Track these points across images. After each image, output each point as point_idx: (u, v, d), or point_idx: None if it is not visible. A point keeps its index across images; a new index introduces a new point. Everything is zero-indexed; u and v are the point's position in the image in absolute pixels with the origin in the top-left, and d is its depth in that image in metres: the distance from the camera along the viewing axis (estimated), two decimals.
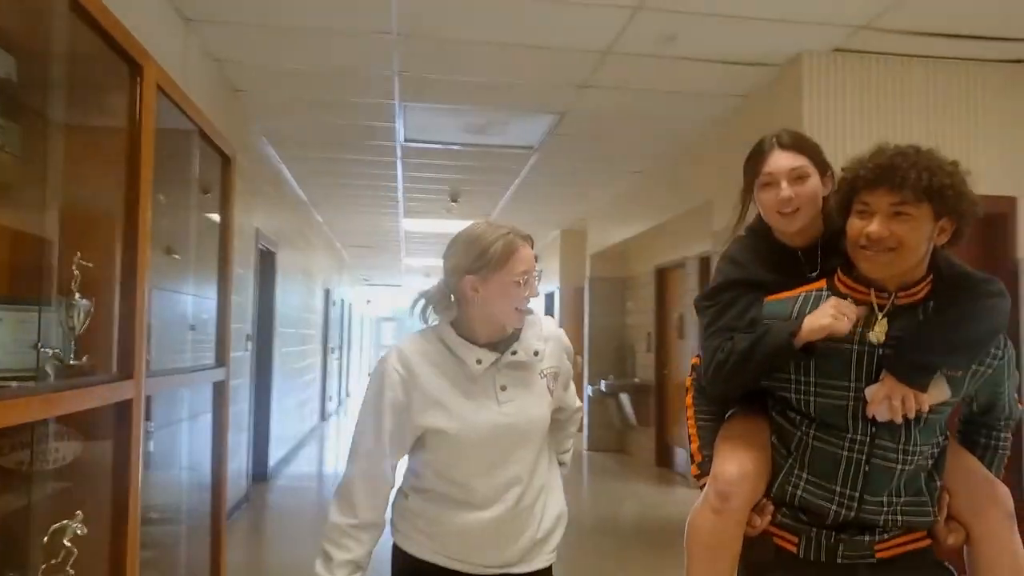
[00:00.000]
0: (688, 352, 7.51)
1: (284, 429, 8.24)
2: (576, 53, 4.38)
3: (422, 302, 1.76)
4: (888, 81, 4.32)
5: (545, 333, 1.77)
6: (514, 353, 1.70)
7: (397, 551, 1.76)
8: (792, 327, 1.52)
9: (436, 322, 1.76)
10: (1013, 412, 1.69)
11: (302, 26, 4.10)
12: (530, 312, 1.73)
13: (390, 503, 1.76)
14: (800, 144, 1.70)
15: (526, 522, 1.71)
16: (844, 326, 1.47)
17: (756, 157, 1.71)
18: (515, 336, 1.72)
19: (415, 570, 1.72)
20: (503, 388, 1.68)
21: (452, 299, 1.73)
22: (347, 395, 16.55)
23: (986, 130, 4.33)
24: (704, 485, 1.65)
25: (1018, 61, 4.31)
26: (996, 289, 1.55)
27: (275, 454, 7.74)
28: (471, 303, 1.68)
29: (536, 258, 1.73)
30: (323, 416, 12.40)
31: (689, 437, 1.77)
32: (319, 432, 11.39)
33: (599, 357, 9.50)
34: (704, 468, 1.67)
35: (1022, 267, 4.31)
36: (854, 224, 1.49)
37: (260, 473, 7.15)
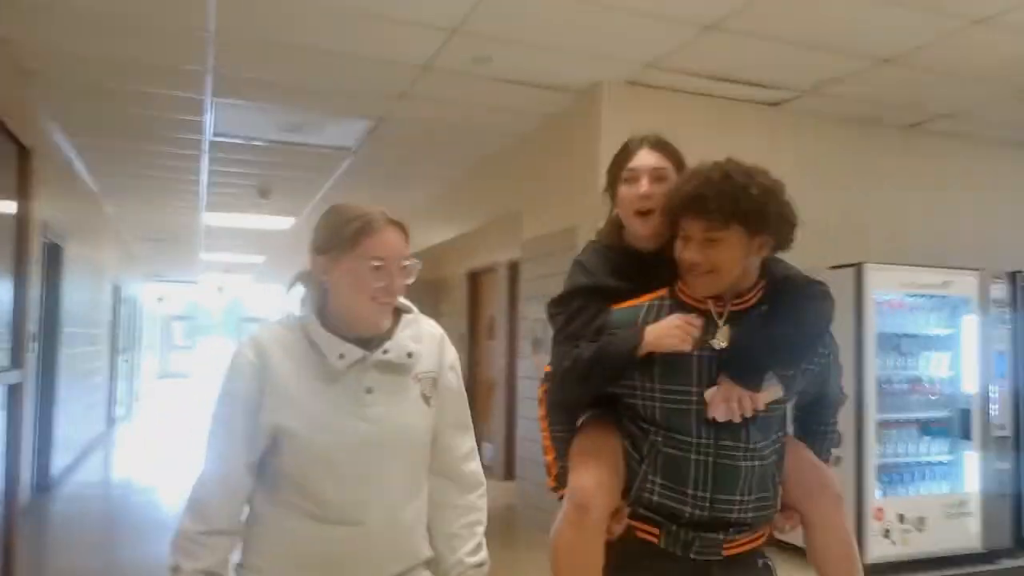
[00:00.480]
0: (497, 353, 7.90)
1: (70, 435, 7.63)
2: (396, 65, 4.55)
3: (298, 285, 1.59)
4: (675, 113, 4.91)
5: (424, 334, 1.61)
6: (385, 352, 1.52)
7: None
8: (635, 340, 1.55)
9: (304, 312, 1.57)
10: (839, 399, 1.80)
11: (108, 12, 3.92)
12: (395, 305, 1.56)
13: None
14: (665, 148, 1.73)
15: (404, 545, 1.55)
16: (688, 346, 1.52)
17: (623, 154, 1.74)
18: (389, 334, 1.54)
19: None
20: (368, 391, 1.49)
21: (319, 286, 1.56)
22: (136, 399, 15.39)
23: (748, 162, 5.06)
24: (562, 496, 1.65)
25: (775, 104, 5.07)
26: (820, 291, 1.63)
27: (59, 462, 7.17)
28: (329, 290, 1.53)
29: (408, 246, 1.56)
30: (111, 421, 11.51)
31: (544, 449, 1.75)
32: (107, 438, 10.59)
33: None
34: (561, 480, 1.67)
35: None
36: (678, 247, 1.57)
37: (43, 482, 6.64)
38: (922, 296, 4.68)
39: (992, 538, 4.66)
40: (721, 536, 1.59)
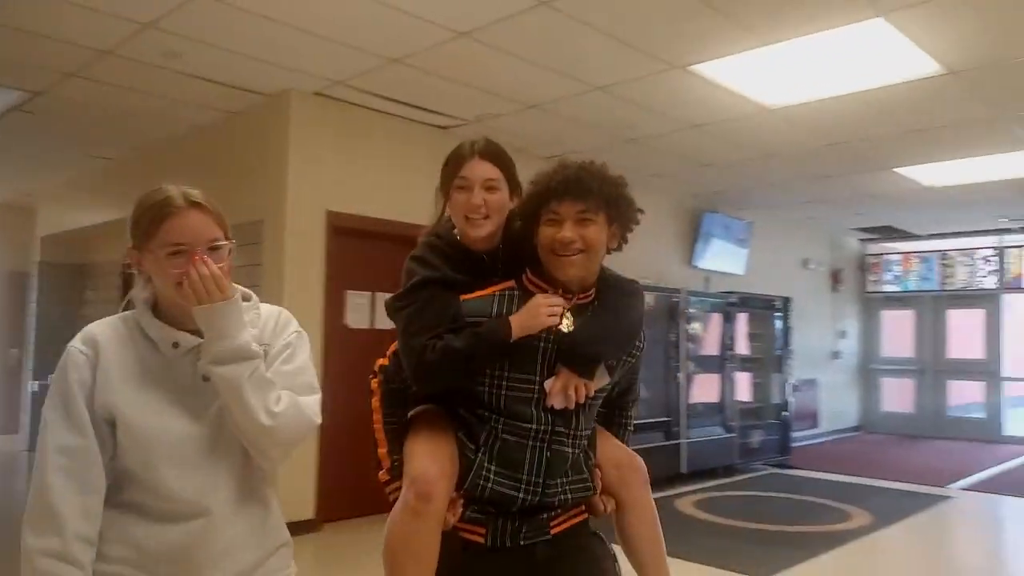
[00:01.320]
0: None
1: None
2: (70, 46, 4.32)
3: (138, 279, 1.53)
4: (358, 125, 5.38)
5: (263, 316, 1.57)
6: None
7: None
8: (505, 327, 1.59)
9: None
10: (639, 393, 1.94)
11: None
12: (241, 292, 1.51)
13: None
14: (497, 158, 1.76)
15: (255, 531, 1.52)
16: (557, 321, 1.61)
17: (456, 160, 1.76)
18: (239, 311, 1.48)
19: None
20: (205, 379, 1.44)
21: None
22: None
23: (416, 178, 5.71)
24: (394, 490, 1.66)
25: (444, 127, 5.80)
26: (637, 289, 1.78)
27: None
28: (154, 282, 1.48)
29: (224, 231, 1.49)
30: None
31: (376, 442, 1.74)
32: None
33: (45, 350, 8.74)
34: (395, 473, 1.67)
35: None
36: (547, 232, 1.62)
37: None
38: None
39: None
40: (545, 515, 1.67)
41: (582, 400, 1.62)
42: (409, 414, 1.74)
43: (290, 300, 5.03)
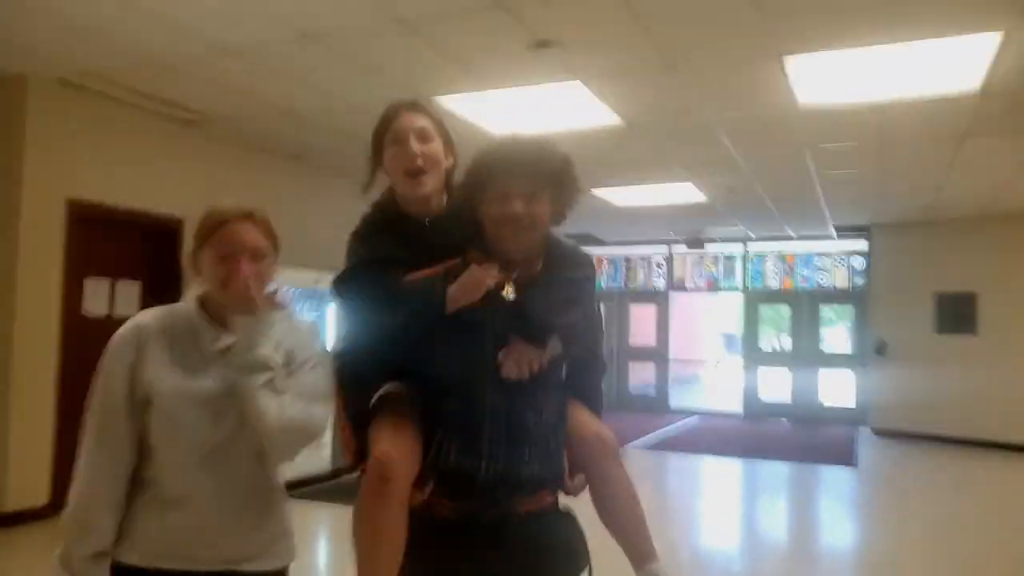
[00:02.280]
0: None
1: None
2: None
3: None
4: (104, 116, 5.38)
5: (295, 328, 1.68)
6: (256, 343, 1.57)
7: (116, 568, 1.56)
8: (440, 298, 1.60)
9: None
10: (604, 365, 1.92)
11: None
12: (251, 295, 1.57)
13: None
14: (425, 110, 1.79)
15: (258, 518, 1.63)
16: (493, 281, 1.62)
17: (385, 122, 1.77)
18: (267, 326, 1.58)
19: None
20: (235, 378, 1.56)
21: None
22: None
23: (160, 168, 5.82)
24: (363, 471, 1.64)
25: (189, 122, 5.95)
26: (589, 259, 1.81)
27: None
28: (204, 282, 1.63)
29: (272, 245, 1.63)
30: None
31: (341, 427, 1.75)
32: None
33: None
34: (361, 455, 1.66)
35: (185, 275, 6.01)
36: (494, 207, 1.63)
37: None
38: (300, 288, 6.32)
39: (338, 462, 6.60)
40: (513, 496, 1.66)
41: (535, 370, 1.62)
42: (373, 398, 1.73)
43: (24, 289, 4.95)
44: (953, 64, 4.43)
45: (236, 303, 1.57)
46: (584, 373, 1.85)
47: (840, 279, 11.99)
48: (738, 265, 12.63)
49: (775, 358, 12.78)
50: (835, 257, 11.97)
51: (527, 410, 1.65)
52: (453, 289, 1.62)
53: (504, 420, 1.63)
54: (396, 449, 1.59)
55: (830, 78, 4.69)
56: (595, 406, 1.86)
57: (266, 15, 3.91)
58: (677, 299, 13.41)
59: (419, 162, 1.71)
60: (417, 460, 1.62)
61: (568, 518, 1.78)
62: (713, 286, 13.02)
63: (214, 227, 1.58)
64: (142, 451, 1.57)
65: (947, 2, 3.63)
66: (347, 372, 1.72)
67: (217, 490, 1.56)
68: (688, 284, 13.02)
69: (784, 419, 11.79)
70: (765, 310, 13.19)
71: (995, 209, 9.03)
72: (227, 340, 1.58)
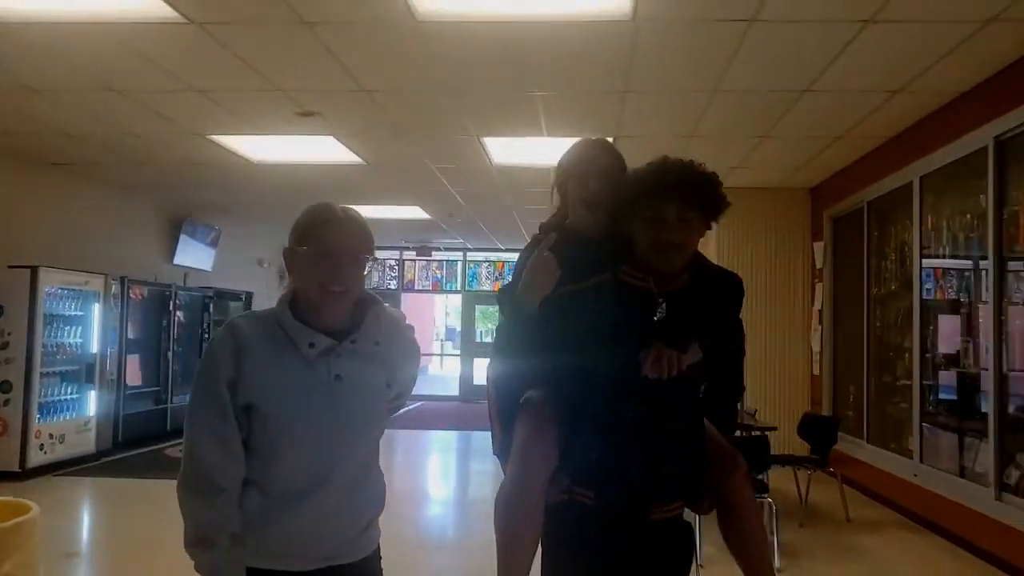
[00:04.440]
0: None
1: None
2: None
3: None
4: None
5: (389, 323, 1.71)
6: (353, 342, 1.60)
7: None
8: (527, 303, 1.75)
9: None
10: (741, 388, 1.97)
11: None
12: (351, 296, 1.61)
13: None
14: (613, 151, 1.93)
15: (352, 514, 1.64)
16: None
17: (576, 155, 1.93)
18: (357, 325, 1.62)
19: None
20: (337, 378, 1.57)
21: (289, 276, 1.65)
22: None
23: None
24: (505, 462, 1.80)
25: None
26: (738, 283, 1.87)
27: None
28: (295, 280, 1.62)
29: (370, 251, 1.63)
30: None
31: (490, 418, 1.91)
32: None
33: None
34: (506, 447, 1.81)
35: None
36: (650, 229, 1.69)
37: None
38: (70, 288, 6.98)
39: (102, 444, 7.35)
40: (649, 503, 1.72)
41: (674, 372, 1.63)
42: (521, 399, 1.84)
43: None
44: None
45: (330, 306, 1.59)
46: (721, 394, 1.90)
47: None
48: (458, 270, 14.76)
49: (487, 349, 15.06)
50: None
51: (670, 416, 1.72)
52: (522, 286, 1.77)
53: (647, 423, 1.69)
54: (538, 447, 1.72)
55: (518, 152, 6.64)
56: (730, 428, 1.95)
57: (83, 73, 4.84)
58: (408, 298, 15.18)
59: (594, 199, 1.86)
60: (553, 460, 1.73)
61: (688, 529, 1.85)
62: (438, 287, 15.01)
63: (318, 226, 1.58)
64: (253, 454, 1.56)
65: None
66: (498, 375, 1.89)
67: (332, 488, 1.57)
68: (417, 285, 14.89)
69: None
70: (480, 309, 15.46)
71: None
72: (326, 341, 1.57)
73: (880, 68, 4.45)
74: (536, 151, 6.59)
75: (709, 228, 1.78)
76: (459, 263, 14.73)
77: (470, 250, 14.39)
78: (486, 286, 14.77)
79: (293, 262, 1.60)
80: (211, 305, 9.81)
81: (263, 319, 1.61)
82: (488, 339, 16.11)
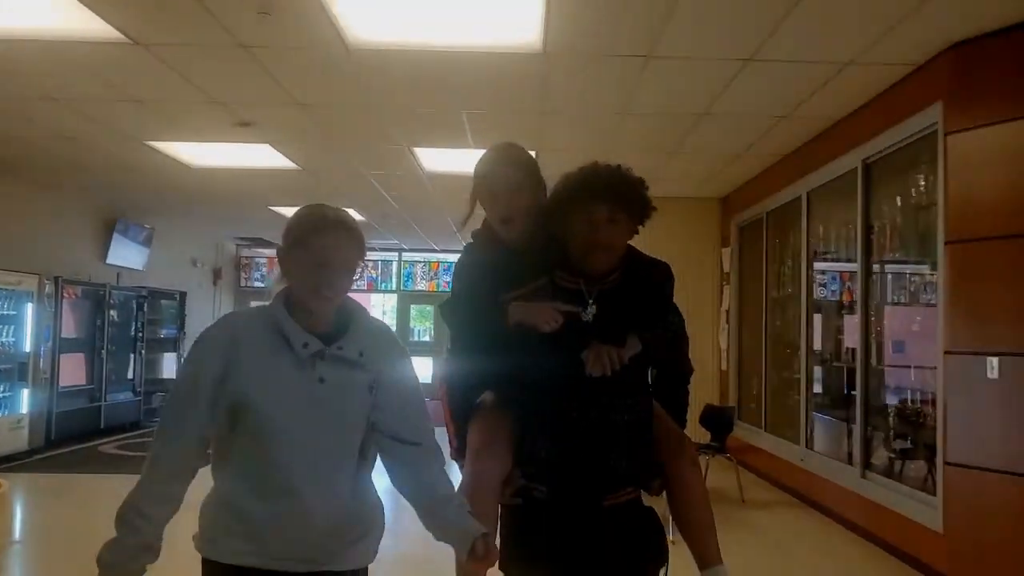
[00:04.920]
0: None
1: None
2: None
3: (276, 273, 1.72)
4: None
5: (375, 332, 1.73)
6: (339, 348, 1.63)
7: (207, 565, 1.62)
8: (502, 319, 1.77)
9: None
10: (689, 369, 2.02)
11: None
12: (336, 300, 1.64)
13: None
14: (522, 160, 1.94)
15: (341, 520, 1.64)
16: (548, 328, 1.72)
17: (481, 171, 1.94)
18: (343, 331, 1.65)
19: None
20: (321, 380, 1.61)
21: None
22: None
23: None
24: (462, 465, 1.88)
25: None
26: (665, 269, 1.92)
27: None
28: (289, 281, 1.65)
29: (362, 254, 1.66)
30: None
31: (446, 424, 1.98)
32: None
33: None
34: (462, 451, 1.90)
35: None
36: (580, 231, 1.75)
37: None
38: (3, 288, 7.08)
39: (34, 441, 7.45)
40: (599, 490, 1.78)
41: (617, 366, 1.70)
42: (478, 400, 1.94)
43: None
44: None
45: (321, 308, 1.62)
46: (668, 380, 1.98)
47: None
48: (393, 270, 15.03)
49: (422, 348, 15.40)
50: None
51: (615, 409, 1.77)
52: (516, 311, 1.77)
53: (594, 418, 1.75)
54: (490, 454, 1.79)
55: (448, 160, 7.03)
56: (679, 412, 2.00)
57: (22, 82, 5.03)
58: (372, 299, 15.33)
59: (510, 213, 1.87)
60: (507, 462, 1.80)
61: (650, 513, 1.89)
62: (373, 287, 15.26)
63: (309, 232, 1.60)
64: (236, 452, 1.60)
65: None
66: (452, 380, 1.97)
67: (313, 486, 1.58)
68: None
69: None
70: (415, 308, 15.77)
71: None
72: (317, 344, 1.60)
73: (765, 98, 5.02)
74: (465, 160, 7.00)
75: (636, 232, 1.85)
76: (394, 263, 15.01)
77: (405, 250, 14.69)
78: (421, 286, 15.10)
79: (287, 265, 1.64)
80: (145, 304, 9.90)
81: (259, 315, 1.66)
82: (424, 338, 16.43)
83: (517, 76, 4.71)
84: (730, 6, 3.68)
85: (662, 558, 1.88)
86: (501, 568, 1.82)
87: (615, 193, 1.76)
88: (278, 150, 6.74)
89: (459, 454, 1.93)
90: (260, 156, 6.90)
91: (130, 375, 9.57)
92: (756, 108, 5.25)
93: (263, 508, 1.58)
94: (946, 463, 4.10)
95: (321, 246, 1.59)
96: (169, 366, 10.68)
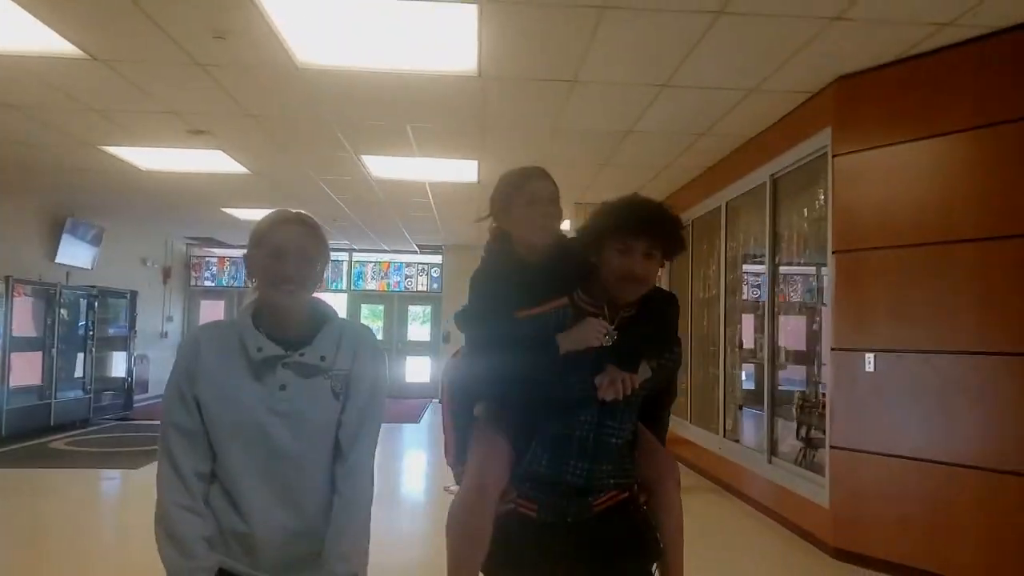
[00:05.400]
0: None
1: None
2: None
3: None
4: None
5: (345, 336, 1.72)
6: (301, 355, 1.64)
7: None
8: (553, 346, 1.77)
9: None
10: (675, 393, 2.12)
11: None
12: (297, 292, 1.65)
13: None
14: (550, 178, 1.94)
15: (304, 528, 1.64)
16: (599, 342, 1.76)
17: (518, 183, 1.92)
18: (309, 339, 1.66)
19: None
20: (282, 387, 1.62)
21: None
22: None
23: None
24: (461, 474, 1.90)
25: None
26: (674, 300, 1.99)
27: None
28: (256, 286, 1.67)
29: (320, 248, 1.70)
30: None
31: (444, 428, 2.01)
32: None
33: None
34: (459, 457, 1.93)
35: None
36: (617, 259, 1.77)
37: None
38: None
39: None
40: (590, 499, 1.84)
41: (629, 392, 1.76)
42: (475, 411, 1.96)
43: None
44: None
45: (284, 302, 1.65)
46: (657, 401, 2.02)
47: (421, 284, 15.36)
48: (344, 270, 15.28)
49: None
50: (418, 267, 15.30)
51: (611, 430, 1.83)
52: (566, 341, 1.78)
53: (591, 438, 1.81)
54: (493, 467, 1.82)
55: (396, 167, 7.38)
56: (662, 431, 2.09)
57: None
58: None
59: (550, 222, 1.91)
60: (506, 474, 1.83)
61: (640, 513, 1.95)
62: (323, 286, 15.41)
63: (265, 230, 1.66)
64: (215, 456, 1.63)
65: None
66: (459, 387, 2.00)
67: (274, 495, 1.60)
68: None
69: None
70: (365, 307, 16.03)
71: None
72: (274, 349, 1.62)
73: (684, 117, 5.52)
74: (412, 168, 7.38)
75: (663, 266, 1.89)
76: (344, 263, 15.25)
77: (356, 251, 14.95)
78: (372, 285, 15.38)
79: (250, 266, 1.68)
80: (96, 303, 10.01)
81: (225, 325, 1.73)
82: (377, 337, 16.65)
83: (456, 96, 5.11)
84: (643, 39, 4.13)
85: (655, 554, 1.94)
86: (488, 575, 1.87)
87: (656, 229, 1.79)
88: (230, 156, 7.02)
89: (457, 461, 1.96)
90: (212, 161, 7.17)
91: (80, 373, 9.69)
92: (677, 126, 5.74)
93: (227, 512, 1.62)
94: (831, 447, 4.64)
95: (276, 238, 1.64)
96: (119, 364, 10.80)
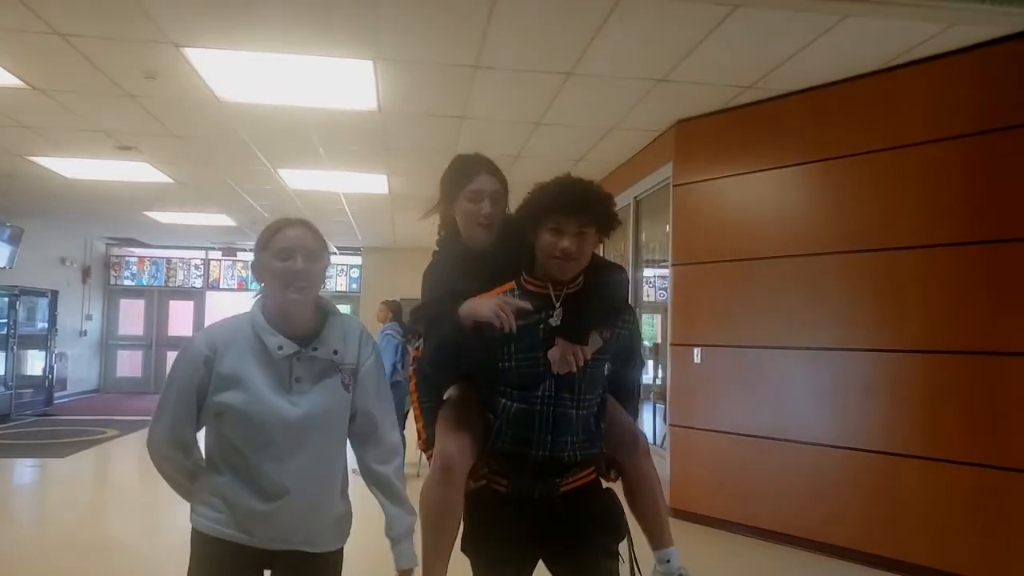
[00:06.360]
0: None
1: None
2: None
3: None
4: None
5: (348, 331, 1.82)
6: (314, 349, 1.73)
7: (195, 535, 1.76)
8: (455, 319, 1.84)
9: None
10: (642, 364, 2.17)
11: None
12: (308, 293, 1.74)
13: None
14: (497, 173, 2.01)
15: (318, 508, 1.76)
16: (504, 325, 1.79)
17: (463, 175, 2.00)
18: (318, 333, 1.76)
19: (210, 550, 1.73)
20: (297, 380, 1.71)
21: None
22: None
23: None
24: (431, 456, 1.93)
25: None
26: (620, 271, 2.07)
27: None
28: (264, 287, 1.76)
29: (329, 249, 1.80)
30: None
31: (416, 417, 2.05)
32: None
33: None
34: (429, 443, 1.97)
35: None
36: (548, 239, 1.83)
37: None
38: None
39: None
40: (558, 479, 1.90)
41: (581, 363, 1.82)
42: (444, 395, 2.03)
43: None
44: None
45: (294, 304, 1.73)
46: (623, 374, 2.07)
47: (341, 284, 15.93)
48: None
49: None
50: (338, 268, 15.87)
51: (571, 402, 1.87)
52: (464, 309, 1.85)
53: (551, 412, 1.86)
54: (458, 444, 1.87)
55: (310, 179, 8.06)
56: (633, 402, 2.13)
57: None
58: (212, 296, 15.84)
59: (491, 220, 1.98)
60: (473, 453, 1.89)
61: (607, 493, 2.00)
62: (243, 286, 15.84)
63: (271, 234, 1.73)
64: (224, 450, 1.74)
65: (323, 31, 4.12)
66: (422, 376, 2.06)
67: (301, 482, 1.71)
68: (222, 284, 15.65)
69: None
70: None
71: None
72: (292, 346, 1.72)
73: (562, 147, 6.43)
74: (327, 180, 8.09)
75: (601, 242, 1.94)
76: None
77: None
78: None
79: (258, 272, 1.77)
80: (16, 303, 10.29)
81: (237, 322, 1.79)
82: None
83: (361, 127, 5.89)
84: (515, 90, 5.01)
85: (620, 532, 1.98)
86: (463, 550, 1.95)
87: (585, 208, 1.83)
88: (155, 167, 7.58)
89: (427, 445, 2.01)
90: (138, 171, 7.71)
91: (1, 371, 9.98)
92: (557, 154, 6.65)
93: (250, 502, 1.72)
94: (670, 425, 5.63)
95: (282, 240, 1.72)
96: (39, 362, 11.08)
